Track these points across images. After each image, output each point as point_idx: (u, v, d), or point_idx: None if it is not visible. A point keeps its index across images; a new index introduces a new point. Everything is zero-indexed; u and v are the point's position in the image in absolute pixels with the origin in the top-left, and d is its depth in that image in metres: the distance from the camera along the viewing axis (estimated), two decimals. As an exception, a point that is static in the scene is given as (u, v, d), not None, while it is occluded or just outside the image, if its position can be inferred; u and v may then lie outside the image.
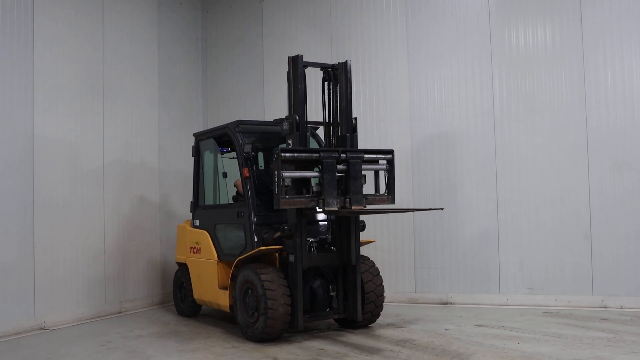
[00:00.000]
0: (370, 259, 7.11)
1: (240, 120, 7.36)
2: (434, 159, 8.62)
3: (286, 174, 6.06)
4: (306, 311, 6.46)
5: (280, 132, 6.55)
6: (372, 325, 7.01)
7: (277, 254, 6.68)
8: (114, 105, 8.68)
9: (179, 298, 8.29)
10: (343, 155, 6.30)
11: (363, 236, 6.89)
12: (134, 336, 6.94)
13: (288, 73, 6.49)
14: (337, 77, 6.72)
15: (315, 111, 8.20)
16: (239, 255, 6.74)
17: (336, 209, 6.20)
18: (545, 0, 8.03)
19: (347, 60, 6.66)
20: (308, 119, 6.64)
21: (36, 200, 7.41)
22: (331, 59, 8.68)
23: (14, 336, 6.95)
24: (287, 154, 6.08)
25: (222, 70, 10.53)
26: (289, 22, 9.84)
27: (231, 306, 6.85)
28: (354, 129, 6.67)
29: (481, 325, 6.85)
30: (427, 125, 8.68)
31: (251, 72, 10.20)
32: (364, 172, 6.42)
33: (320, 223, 6.99)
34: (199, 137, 8.04)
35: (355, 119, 6.71)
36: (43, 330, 7.32)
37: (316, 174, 6.26)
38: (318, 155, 6.19)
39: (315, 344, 6.20)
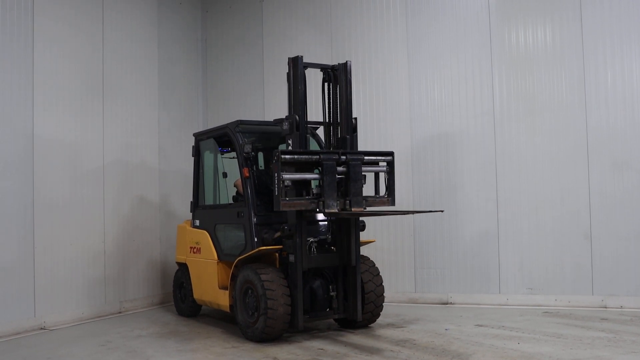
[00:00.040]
0: (370, 259, 7.11)
1: (240, 120, 7.36)
2: (434, 159, 8.62)
3: (286, 176, 6.05)
4: (306, 311, 6.46)
5: (280, 132, 6.55)
6: (372, 325, 7.01)
7: (277, 254, 6.68)
8: (114, 105, 8.68)
9: (179, 298, 8.30)
10: (343, 157, 6.28)
11: (363, 236, 6.89)
12: (134, 336, 6.94)
13: (288, 74, 6.49)
14: (337, 78, 6.71)
15: (315, 111, 8.19)
16: (239, 255, 6.74)
17: (336, 210, 6.19)
18: (545, 0, 8.04)
19: (347, 61, 6.66)
20: (308, 119, 6.64)
21: (36, 200, 7.41)
22: (331, 59, 8.69)
23: (14, 336, 6.94)
24: (287, 156, 6.05)
25: (222, 70, 10.53)
26: (289, 22, 9.84)
27: (231, 306, 6.85)
28: (354, 129, 6.66)
29: (481, 325, 6.85)
30: (427, 126, 8.68)
31: (251, 72, 10.20)
32: (363, 174, 6.42)
33: (320, 223, 6.98)
34: (199, 137, 8.04)
35: (355, 119, 6.71)
36: (43, 330, 7.32)
37: (316, 176, 6.25)
38: (318, 157, 6.18)
39: (315, 344, 6.20)
